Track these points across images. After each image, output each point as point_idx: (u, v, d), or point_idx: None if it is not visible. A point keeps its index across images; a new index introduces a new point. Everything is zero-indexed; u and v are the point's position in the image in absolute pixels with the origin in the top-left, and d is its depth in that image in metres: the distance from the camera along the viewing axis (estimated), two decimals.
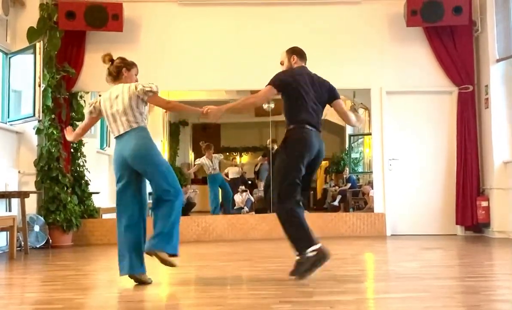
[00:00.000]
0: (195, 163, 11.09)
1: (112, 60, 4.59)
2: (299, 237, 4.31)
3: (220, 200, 11.11)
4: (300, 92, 4.48)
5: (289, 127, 4.52)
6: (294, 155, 4.42)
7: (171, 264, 4.26)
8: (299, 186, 4.39)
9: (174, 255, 4.28)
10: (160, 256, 4.22)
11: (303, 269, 4.24)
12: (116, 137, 4.44)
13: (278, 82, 4.52)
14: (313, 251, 4.23)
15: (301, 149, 4.42)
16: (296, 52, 4.76)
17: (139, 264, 4.36)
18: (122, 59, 4.61)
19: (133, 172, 4.35)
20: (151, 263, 5.99)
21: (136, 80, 4.59)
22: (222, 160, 11.59)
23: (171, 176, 4.34)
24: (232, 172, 11.79)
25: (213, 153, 11.02)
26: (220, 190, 11.02)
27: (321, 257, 4.24)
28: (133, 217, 4.38)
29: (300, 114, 4.47)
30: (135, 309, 3.70)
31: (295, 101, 4.49)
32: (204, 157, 10.95)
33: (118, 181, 4.43)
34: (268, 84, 4.53)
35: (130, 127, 4.33)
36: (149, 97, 4.37)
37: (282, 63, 4.77)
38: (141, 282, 4.33)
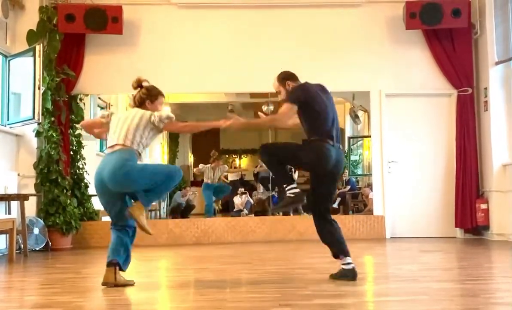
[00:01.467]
0: (199, 166, 11.06)
1: (140, 86, 4.55)
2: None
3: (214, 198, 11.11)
4: (320, 104, 4.47)
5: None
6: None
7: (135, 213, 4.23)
8: None
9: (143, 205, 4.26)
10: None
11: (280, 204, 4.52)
12: (107, 150, 4.38)
13: (298, 98, 4.45)
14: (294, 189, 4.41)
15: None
16: (288, 77, 4.69)
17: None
18: (148, 91, 4.54)
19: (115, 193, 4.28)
20: (150, 266, 6.00)
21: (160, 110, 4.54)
22: (224, 172, 11.52)
23: (155, 173, 4.28)
24: (232, 174, 11.79)
25: (221, 165, 10.99)
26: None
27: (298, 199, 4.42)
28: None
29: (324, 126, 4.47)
30: None
31: (318, 114, 4.45)
32: (209, 165, 10.88)
33: (105, 208, 4.40)
34: (288, 102, 4.46)
35: (123, 143, 4.24)
36: (165, 125, 4.34)
37: (278, 93, 4.71)
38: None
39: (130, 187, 4.25)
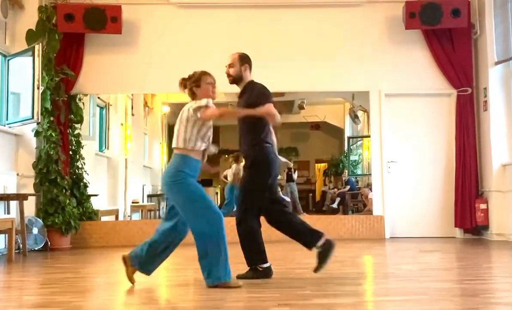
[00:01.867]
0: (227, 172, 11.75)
1: (185, 85, 4.44)
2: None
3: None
4: None
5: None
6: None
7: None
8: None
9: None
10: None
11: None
12: None
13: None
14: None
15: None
16: (247, 61, 4.74)
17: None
18: (189, 78, 4.43)
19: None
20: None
21: (213, 87, 4.39)
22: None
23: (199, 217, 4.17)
24: (230, 174, 11.79)
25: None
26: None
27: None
28: None
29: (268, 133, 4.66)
30: None
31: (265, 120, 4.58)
32: (233, 167, 11.33)
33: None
34: (268, 102, 4.48)
35: (176, 145, 4.22)
36: (201, 113, 4.16)
37: (231, 66, 4.71)
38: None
39: (173, 201, 4.26)
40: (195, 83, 4.39)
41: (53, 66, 7.81)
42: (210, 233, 4.14)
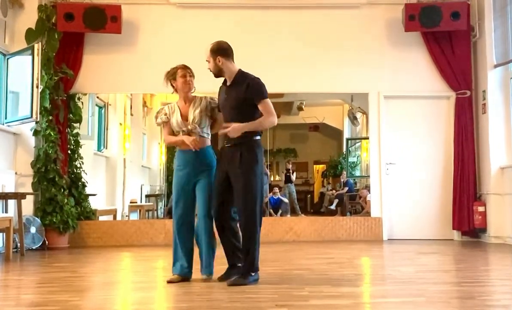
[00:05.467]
0: None
1: (166, 79, 4.80)
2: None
3: None
4: None
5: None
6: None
7: None
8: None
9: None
10: None
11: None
12: None
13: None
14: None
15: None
16: (221, 51, 4.59)
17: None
18: (168, 73, 4.83)
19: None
20: (147, 265, 6.00)
21: (185, 80, 4.70)
22: None
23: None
24: None
25: None
26: None
27: None
28: None
29: None
30: None
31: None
32: None
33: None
34: (266, 98, 4.47)
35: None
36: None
37: (208, 61, 4.64)
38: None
39: None
40: (172, 76, 4.75)
41: (52, 65, 7.81)
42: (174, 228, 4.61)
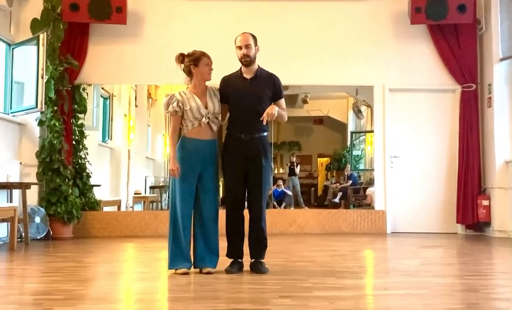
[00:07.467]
0: None
1: (182, 60, 4.58)
2: None
3: None
4: None
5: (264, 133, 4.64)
6: None
7: None
8: None
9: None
10: None
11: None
12: None
13: None
14: None
15: None
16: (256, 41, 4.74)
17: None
18: (188, 56, 4.56)
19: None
20: (150, 256, 6.02)
21: (210, 69, 4.57)
22: None
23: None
24: None
25: None
26: None
27: None
28: None
29: None
30: (135, 301, 3.72)
31: None
32: None
33: None
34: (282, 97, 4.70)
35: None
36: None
37: (247, 47, 4.60)
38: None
39: None
40: (194, 62, 4.52)
41: (57, 55, 7.80)
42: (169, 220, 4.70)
